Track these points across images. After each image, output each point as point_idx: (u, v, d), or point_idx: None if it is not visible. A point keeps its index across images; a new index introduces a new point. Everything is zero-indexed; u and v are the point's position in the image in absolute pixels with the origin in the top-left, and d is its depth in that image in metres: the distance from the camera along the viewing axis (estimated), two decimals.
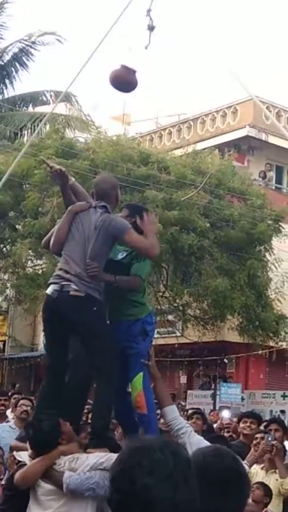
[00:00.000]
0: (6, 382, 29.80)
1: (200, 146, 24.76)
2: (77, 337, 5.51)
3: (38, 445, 5.16)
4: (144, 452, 2.17)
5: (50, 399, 5.52)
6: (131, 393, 5.61)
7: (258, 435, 8.25)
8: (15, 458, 5.94)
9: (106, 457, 5.00)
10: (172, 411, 5.49)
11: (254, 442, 8.15)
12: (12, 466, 6.40)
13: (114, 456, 5.17)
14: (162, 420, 6.21)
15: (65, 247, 5.53)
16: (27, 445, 5.38)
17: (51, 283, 5.45)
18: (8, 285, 22.70)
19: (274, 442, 7.70)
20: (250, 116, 26.86)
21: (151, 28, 8.32)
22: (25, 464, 5.26)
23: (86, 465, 5.00)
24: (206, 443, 5.24)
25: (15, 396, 11.28)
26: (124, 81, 7.43)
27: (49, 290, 5.43)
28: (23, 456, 5.41)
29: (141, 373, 5.56)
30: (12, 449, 6.58)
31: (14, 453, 5.99)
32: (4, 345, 33.12)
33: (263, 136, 26.93)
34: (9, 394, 11.96)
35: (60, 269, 5.45)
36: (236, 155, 25.50)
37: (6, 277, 22.70)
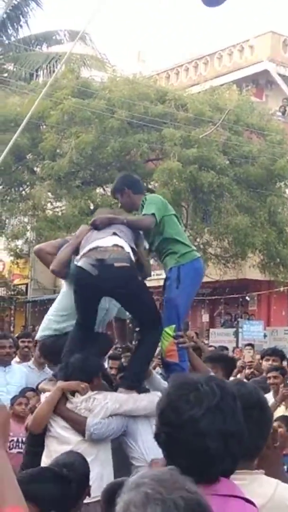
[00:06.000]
0: (29, 324, 30.04)
1: (217, 82, 24.38)
2: None
3: (74, 374, 5.15)
4: (191, 385, 2.22)
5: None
6: (162, 341, 5.47)
7: (270, 374, 8.21)
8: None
9: (124, 402, 5.09)
10: None
11: (269, 382, 8.12)
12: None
13: (137, 399, 5.20)
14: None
15: None
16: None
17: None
18: (28, 227, 22.69)
19: None
20: (268, 50, 26.36)
21: None
22: None
23: (103, 407, 5.04)
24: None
25: None
26: None
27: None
28: None
29: (174, 326, 5.46)
30: (38, 389, 6.50)
31: (42, 395, 5.99)
32: (26, 288, 33.29)
33: (281, 70, 26.43)
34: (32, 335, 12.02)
35: None
36: (254, 90, 25.10)
37: (26, 219, 22.68)
